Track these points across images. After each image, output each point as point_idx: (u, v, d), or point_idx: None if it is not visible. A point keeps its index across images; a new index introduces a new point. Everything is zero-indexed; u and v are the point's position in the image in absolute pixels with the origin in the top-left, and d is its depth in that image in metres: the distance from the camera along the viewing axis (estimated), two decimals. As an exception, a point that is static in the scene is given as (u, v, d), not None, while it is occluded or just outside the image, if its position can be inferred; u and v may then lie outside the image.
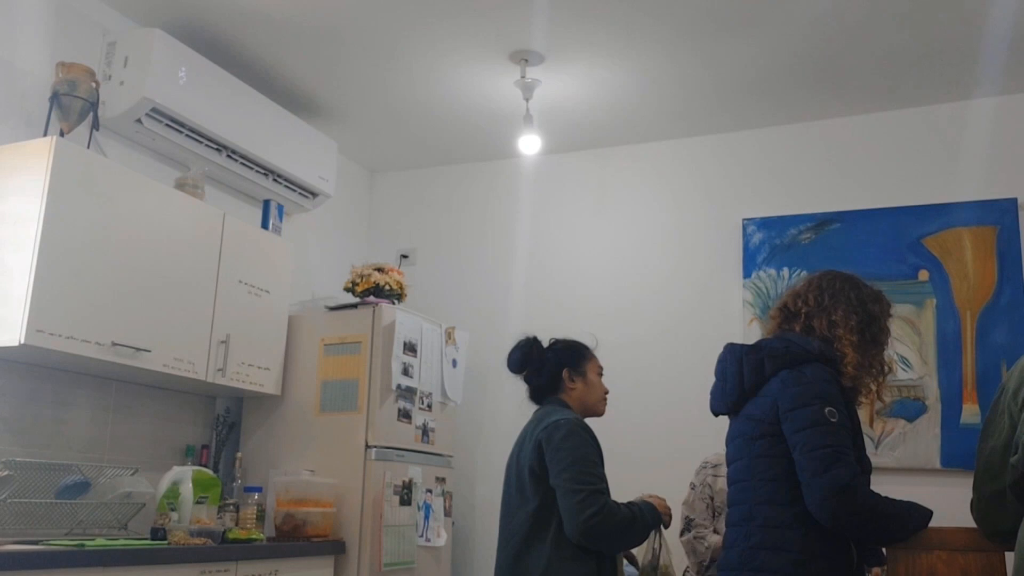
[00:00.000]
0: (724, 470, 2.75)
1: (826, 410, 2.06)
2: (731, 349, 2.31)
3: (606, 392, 2.69)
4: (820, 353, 2.18)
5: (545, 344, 2.70)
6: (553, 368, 2.62)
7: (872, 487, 2.08)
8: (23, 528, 2.83)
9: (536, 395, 2.67)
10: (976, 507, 2.07)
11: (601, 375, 2.70)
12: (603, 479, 2.39)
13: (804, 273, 3.81)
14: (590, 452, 2.40)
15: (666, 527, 2.54)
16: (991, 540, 2.03)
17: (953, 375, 3.75)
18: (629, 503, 2.47)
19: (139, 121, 3.33)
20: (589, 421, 2.57)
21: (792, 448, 2.07)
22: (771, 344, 2.23)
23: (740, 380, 2.23)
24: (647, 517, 2.44)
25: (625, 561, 3.72)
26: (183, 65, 3.41)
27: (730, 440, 2.29)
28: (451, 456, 4.11)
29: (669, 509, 2.56)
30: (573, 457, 2.36)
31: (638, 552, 2.64)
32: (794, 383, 2.12)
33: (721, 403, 2.32)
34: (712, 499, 3.40)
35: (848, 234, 4.02)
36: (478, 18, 3.44)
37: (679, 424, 4.05)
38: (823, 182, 4.17)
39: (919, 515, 2.06)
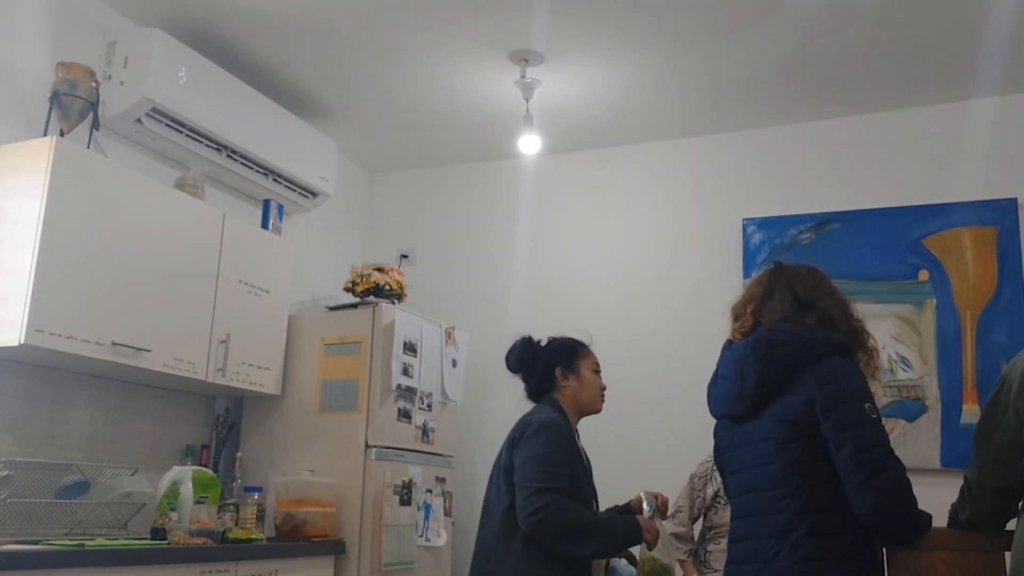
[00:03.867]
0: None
1: (866, 406, 1.96)
2: (751, 343, 2.08)
3: (603, 388, 2.68)
4: (837, 344, 2.06)
5: (544, 342, 2.70)
6: (546, 367, 2.63)
7: None
8: (23, 528, 2.83)
9: (532, 394, 2.68)
10: (976, 500, 2.04)
11: (597, 372, 2.69)
12: (558, 478, 2.35)
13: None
14: (552, 451, 2.38)
15: (650, 548, 2.48)
16: (975, 528, 2.03)
17: (953, 375, 3.75)
18: (604, 512, 2.47)
19: (139, 121, 3.33)
20: (588, 419, 2.58)
21: (836, 449, 1.93)
22: (790, 334, 2.06)
23: (763, 378, 2.03)
24: (619, 530, 2.39)
25: (625, 561, 3.73)
26: (183, 65, 3.41)
27: (744, 444, 2.09)
28: (451, 456, 4.11)
29: (656, 531, 2.48)
30: (530, 455, 2.37)
31: (637, 548, 2.62)
32: (830, 379, 1.98)
33: (737, 404, 2.10)
34: (703, 500, 3.46)
35: (848, 234, 4.02)
36: (478, 18, 3.44)
37: (679, 424, 4.05)
38: (823, 182, 4.17)
39: (928, 517, 2.02)
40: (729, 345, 2.19)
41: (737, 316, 2.24)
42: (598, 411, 2.68)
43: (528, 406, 2.67)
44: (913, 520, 1.97)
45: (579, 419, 2.67)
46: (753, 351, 2.05)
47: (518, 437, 2.46)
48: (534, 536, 2.33)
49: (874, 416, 1.97)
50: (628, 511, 2.63)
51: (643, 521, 2.47)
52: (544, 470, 2.34)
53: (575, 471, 2.43)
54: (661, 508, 2.59)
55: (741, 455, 2.10)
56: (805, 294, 2.15)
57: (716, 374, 2.23)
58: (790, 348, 2.04)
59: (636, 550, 2.63)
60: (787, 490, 1.97)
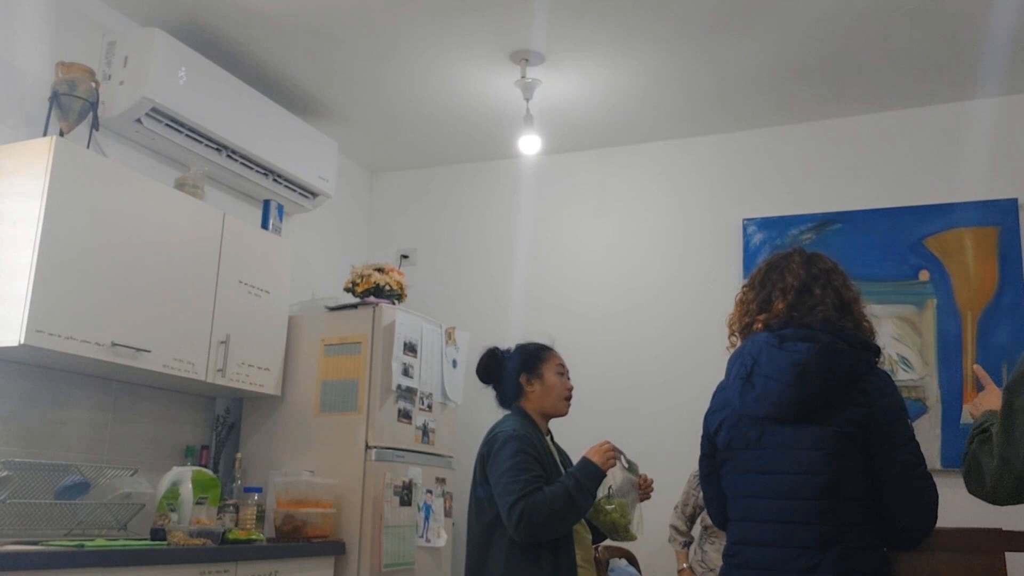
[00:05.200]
0: None
1: (909, 422, 1.95)
2: (819, 351, 1.96)
3: (569, 390, 2.73)
4: (878, 353, 2.03)
5: (512, 350, 2.79)
6: (511, 376, 2.71)
7: None
8: (23, 528, 2.83)
9: (503, 402, 2.77)
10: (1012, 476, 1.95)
11: (563, 374, 2.73)
12: (528, 482, 2.41)
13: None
14: (519, 460, 2.45)
15: (608, 467, 2.53)
16: (995, 502, 1.94)
17: (954, 376, 3.75)
18: (566, 472, 2.53)
19: (139, 121, 3.33)
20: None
21: (885, 464, 1.90)
22: (849, 343, 1.99)
23: (827, 388, 1.94)
24: (583, 482, 2.46)
25: (625, 561, 3.74)
26: (183, 65, 3.41)
27: (781, 447, 1.98)
28: (451, 457, 4.10)
29: (609, 448, 2.54)
30: (500, 471, 2.46)
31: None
32: (883, 393, 1.94)
33: (789, 409, 1.97)
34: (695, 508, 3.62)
35: (849, 234, 4.02)
36: (478, 18, 3.44)
37: (680, 424, 4.04)
38: (824, 182, 4.17)
39: None
40: (779, 344, 2.02)
41: (764, 305, 2.12)
42: (564, 414, 2.74)
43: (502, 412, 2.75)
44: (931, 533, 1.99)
45: (547, 421, 2.73)
46: (820, 358, 1.95)
47: (487, 454, 2.55)
48: (530, 542, 2.41)
49: (914, 433, 1.97)
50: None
51: (593, 455, 2.51)
52: (514, 480, 2.42)
53: (546, 472, 2.50)
54: (642, 485, 2.62)
55: (775, 457, 1.99)
56: (845, 296, 2.09)
57: (752, 372, 2.05)
58: (852, 359, 1.97)
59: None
60: (832, 502, 1.91)
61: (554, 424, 2.79)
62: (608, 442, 2.57)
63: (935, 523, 1.94)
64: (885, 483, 1.91)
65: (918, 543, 1.97)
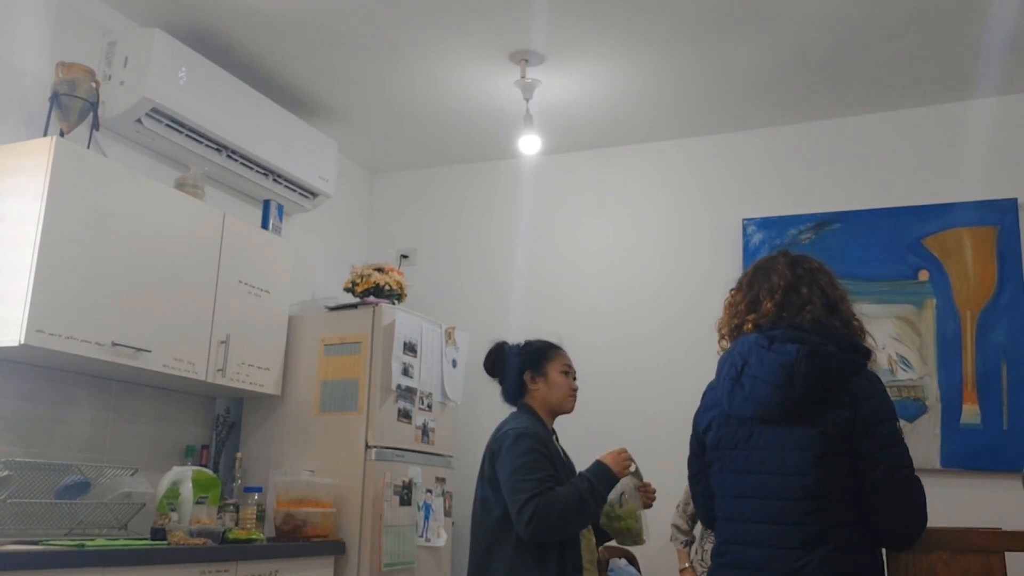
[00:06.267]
0: None
1: (898, 425, 1.95)
2: (808, 353, 1.96)
3: (573, 389, 2.73)
4: (868, 355, 2.03)
5: (521, 345, 2.78)
6: (516, 371, 2.71)
7: None
8: (23, 528, 2.83)
9: (507, 398, 2.77)
10: None
11: (567, 373, 2.73)
12: (541, 481, 2.42)
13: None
14: (530, 459, 2.46)
15: (624, 475, 2.55)
16: None
17: (953, 375, 3.75)
18: (579, 475, 2.52)
19: (139, 121, 3.33)
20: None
21: (870, 466, 1.90)
22: (838, 344, 1.99)
23: (814, 390, 1.94)
24: (596, 486, 2.47)
25: (624, 561, 3.75)
26: (183, 65, 3.41)
27: (768, 447, 2.00)
28: (451, 456, 4.11)
29: (626, 457, 2.56)
30: (511, 468, 2.46)
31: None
32: (871, 395, 1.95)
33: (777, 410, 1.98)
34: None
35: (848, 234, 4.02)
36: (478, 18, 3.44)
37: (679, 423, 4.04)
38: (823, 182, 4.17)
39: None
40: (769, 345, 2.03)
41: (752, 306, 2.14)
42: (569, 411, 2.74)
43: (508, 408, 2.74)
44: (921, 535, 1.98)
45: (553, 419, 2.74)
46: (809, 360, 1.96)
47: (497, 450, 2.55)
48: (537, 540, 2.41)
49: (902, 435, 1.97)
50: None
51: (610, 457, 2.53)
52: (526, 478, 2.43)
53: (556, 471, 2.51)
54: (641, 489, 2.62)
55: (762, 457, 2.01)
56: (831, 295, 2.10)
57: (742, 373, 2.05)
58: (839, 360, 1.97)
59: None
60: (819, 503, 1.92)
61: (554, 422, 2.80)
62: (625, 450, 2.58)
63: (924, 525, 1.94)
64: (870, 485, 1.91)
65: (907, 545, 1.97)
